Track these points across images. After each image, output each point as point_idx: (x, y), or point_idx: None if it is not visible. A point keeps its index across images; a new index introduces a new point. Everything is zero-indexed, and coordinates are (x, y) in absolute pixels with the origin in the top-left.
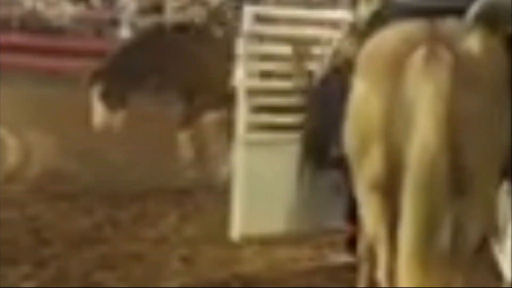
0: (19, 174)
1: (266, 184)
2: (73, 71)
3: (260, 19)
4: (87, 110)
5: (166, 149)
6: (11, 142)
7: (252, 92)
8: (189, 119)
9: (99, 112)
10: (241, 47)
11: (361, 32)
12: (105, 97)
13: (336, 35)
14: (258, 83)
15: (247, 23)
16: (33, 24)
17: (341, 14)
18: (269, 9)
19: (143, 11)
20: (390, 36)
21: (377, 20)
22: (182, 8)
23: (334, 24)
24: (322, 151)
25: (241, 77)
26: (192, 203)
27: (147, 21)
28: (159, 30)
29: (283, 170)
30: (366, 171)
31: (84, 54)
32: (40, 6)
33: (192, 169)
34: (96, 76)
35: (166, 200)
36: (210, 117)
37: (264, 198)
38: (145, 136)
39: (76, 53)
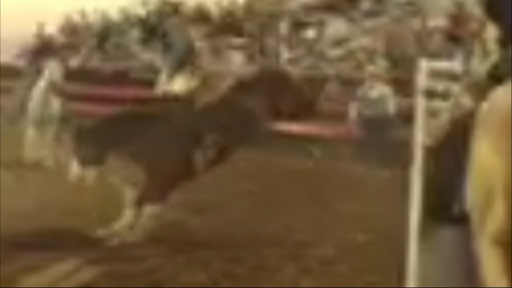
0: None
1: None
2: None
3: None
4: None
5: (281, 203)
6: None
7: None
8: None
9: (73, 166)
10: (417, 103)
11: (480, 85)
12: (77, 153)
13: (453, 87)
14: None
15: (422, 79)
16: (150, 77)
17: (457, 65)
18: (443, 64)
19: None
20: (509, 91)
21: (496, 74)
22: (296, 60)
23: (450, 76)
24: (444, 207)
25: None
26: (310, 256)
27: None
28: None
29: None
30: (489, 226)
31: None
32: (156, 59)
33: None
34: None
35: (283, 252)
36: None
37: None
38: (262, 191)
39: None
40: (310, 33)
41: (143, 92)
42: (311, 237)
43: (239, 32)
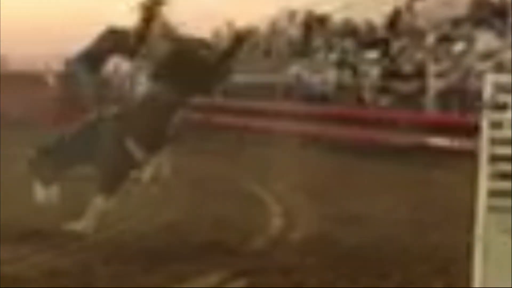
0: (283, 239)
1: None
2: (334, 137)
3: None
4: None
5: (430, 218)
6: (275, 207)
7: (494, 159)
8: None
9: (37, 187)
10: (483, 115)
11: None
12: (38, 174)
13: None
14: (500, 150)
15: (487, 92)
16: (297, 91)
17: None
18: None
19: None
20: None
21: None
22: (444, 73)
23: None
24: None
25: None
26: (459, 272)
27: (408, 87)
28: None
29: None
30: None
31: (347, 120)
32: (304, 74)
33: None
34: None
35: (430, 268)
36: None
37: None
38: (410, 205)
39: (338, 119)
40: (458, 47)
41: (288, 106)
42: (460, 253)
43: (380, 46)
